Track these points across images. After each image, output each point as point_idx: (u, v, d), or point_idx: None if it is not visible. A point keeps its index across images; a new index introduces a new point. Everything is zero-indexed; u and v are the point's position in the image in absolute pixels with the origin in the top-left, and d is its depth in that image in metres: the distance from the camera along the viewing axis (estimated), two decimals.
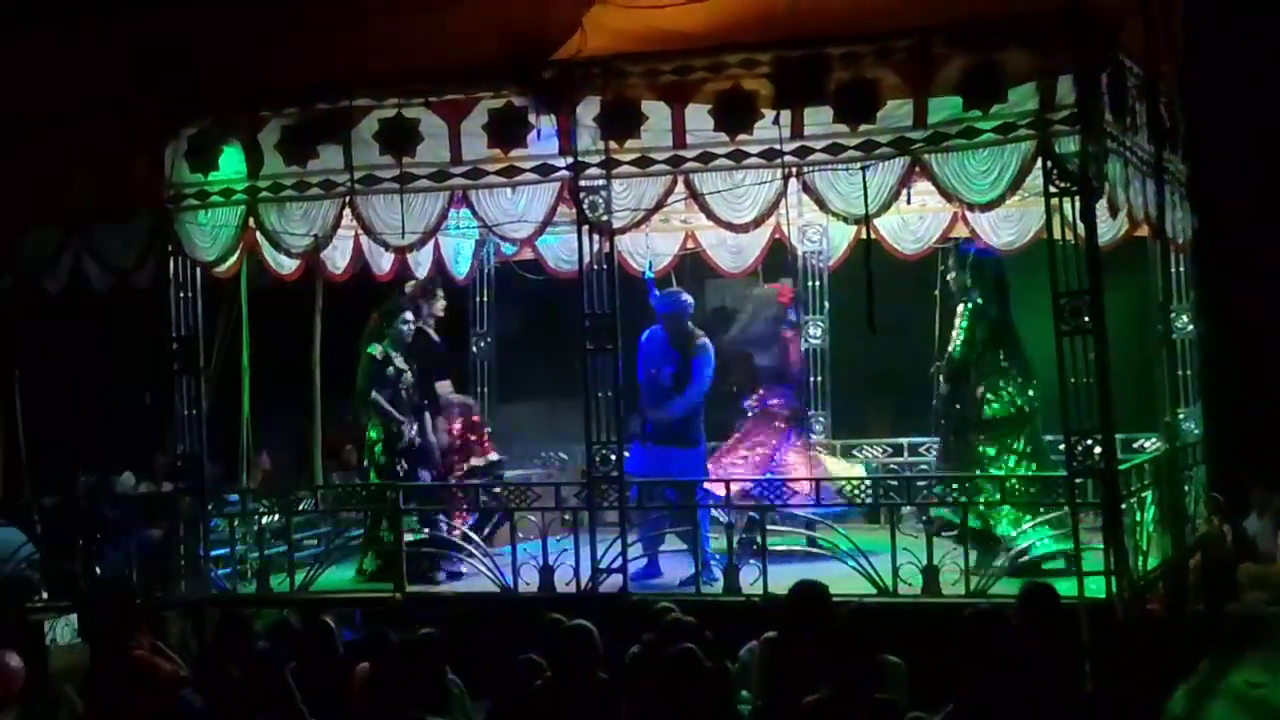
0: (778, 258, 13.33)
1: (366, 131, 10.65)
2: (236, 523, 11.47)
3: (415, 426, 11.89)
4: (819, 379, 13.99)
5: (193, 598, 11.16)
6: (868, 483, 10.80)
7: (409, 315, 12.09)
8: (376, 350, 11.90)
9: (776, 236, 12.70)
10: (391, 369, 11.90)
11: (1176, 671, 10.35)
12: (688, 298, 11.72)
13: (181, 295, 11.37)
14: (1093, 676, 8.63)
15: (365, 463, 12.11)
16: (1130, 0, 10.28)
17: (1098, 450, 9.40)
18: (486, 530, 11.54)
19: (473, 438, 12.47)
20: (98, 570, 11.62)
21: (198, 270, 11.39)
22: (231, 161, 11.05)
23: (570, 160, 10.31)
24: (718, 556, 10.62)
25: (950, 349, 10.97)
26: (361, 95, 10.62)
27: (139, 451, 15.24)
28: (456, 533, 11.32)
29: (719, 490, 10.79)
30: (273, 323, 12.65)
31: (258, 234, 11.20)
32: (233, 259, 11.44)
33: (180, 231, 11.25)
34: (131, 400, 15.60)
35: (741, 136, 9.94)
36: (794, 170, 9.90)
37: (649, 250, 13.03)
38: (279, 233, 11.07)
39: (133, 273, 11.53)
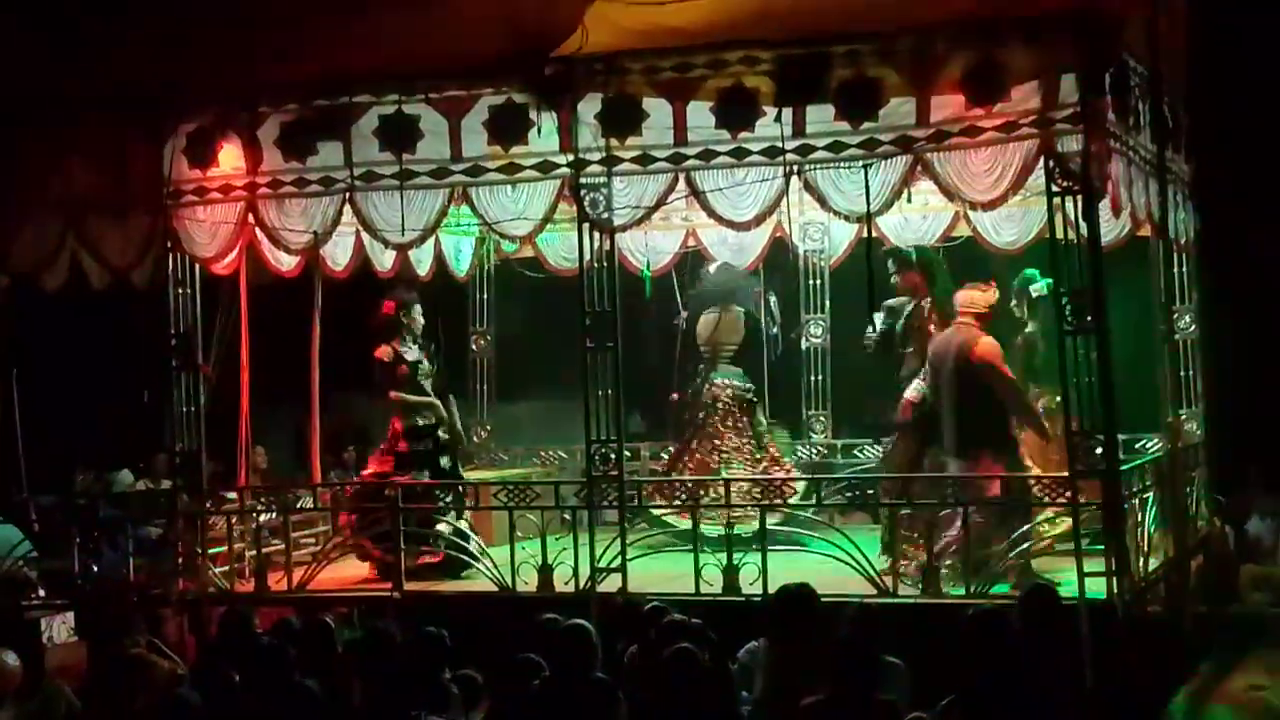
0: (779, 256, 13.29)
1: (366, 128, 10.62)
2: (234, 520, 11.45)
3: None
4: (819, 378, 13.97)
5: (190, 596, 11.12)
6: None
7: (417, 306, 12.08)
8: (385, 353, 11.93)
9: (778, 235, 12.65)
10: (405, 365, 11.92)
11: (1177, 673, 10.31)
12: None
13: (180, 292, 11.34)
14: (1093, 677, 8.60)
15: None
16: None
17: (1099, 450, 9.36)
18: None
19: None
20: (95, 568, 11.57)
21: (196, 267, 11.37)
22: (230, 157, 11.01)
23: (571, 157, 10.27)
24: None
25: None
26: (361, 91, 10.59)
27: (137, 449, 15.19)
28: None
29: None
30: (272, 320, 12.61)
31: (257, 230, 11.16)
32: (232, 255, 11.42)
33: (179, 228, 11.21)
34: (130, 398, 15.56)
35: (743, 134, 9.91)
36: (795, 168, 9.86)
37: (648, 249, 13.00)
38: (278, 229, 11.05)
39: (131, 269, 11.49)
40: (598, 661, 7.80)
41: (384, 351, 11.92)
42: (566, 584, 10.38)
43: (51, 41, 11.65)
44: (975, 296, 10.72)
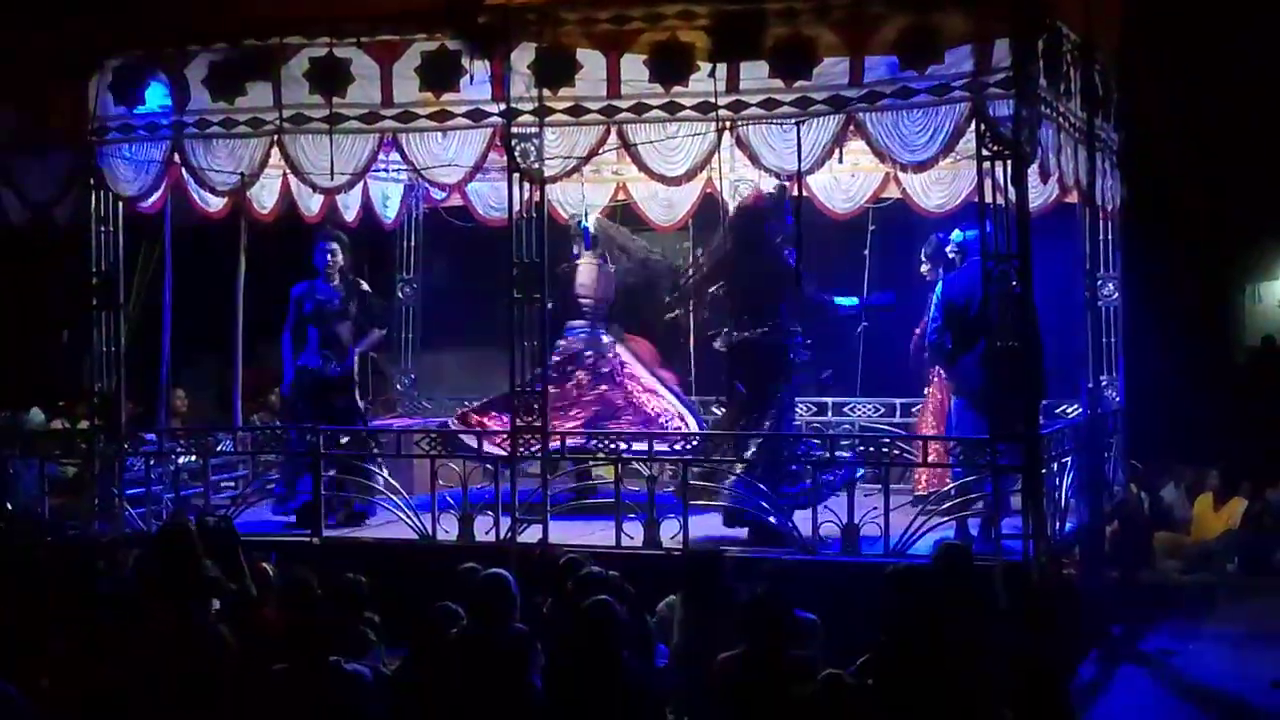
0: (709, 212, 13.27)
1: (296, 70, 10.50)
2: (152, 462, 11.35)
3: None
4: None
5: (106, 537, 11.02)
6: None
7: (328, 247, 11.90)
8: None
9: (708, 191, 12.62)
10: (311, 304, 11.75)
11: (1089, 636, 10.46)
12: None
13: (103, 230, 11.20)
14: (1007, 637, 8.68)
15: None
16: None
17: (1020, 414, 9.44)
18: None
19: None
20: (8, 506, 11.44)
21: (120, 205, 11.22)
22: (157, 95, 10.86)
23: (503, 106, 10.20)
24: None
25: None
26: (292, 33, 10.45)
27: (54, 389, 15.01)
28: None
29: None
30: (196, 261, 12.47)
31: (183, 170, 11.02)
32: (156, 195, 11.28)
33: (103, 165, 11.06)
34: (48, 337, 15.38)
35: (676, 89, 9.87)
36: (728, 124, 9.84)
37: (583, 200, 12.93)
38: (205, 170, 10.91)
39: (53, 207, 11.33)
40: (516, 612, 7.80)
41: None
42: (487, 534, 10.37)
43: None
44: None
